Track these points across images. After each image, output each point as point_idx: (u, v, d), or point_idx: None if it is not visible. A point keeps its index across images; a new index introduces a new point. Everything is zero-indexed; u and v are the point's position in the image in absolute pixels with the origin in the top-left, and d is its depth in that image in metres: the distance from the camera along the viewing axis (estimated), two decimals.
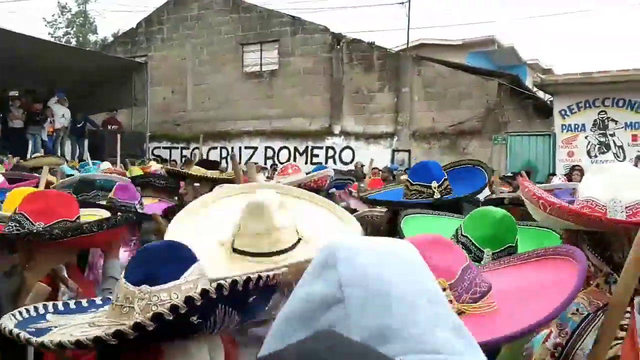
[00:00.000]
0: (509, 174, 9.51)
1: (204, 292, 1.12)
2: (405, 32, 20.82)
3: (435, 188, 2.63)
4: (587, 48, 63.49)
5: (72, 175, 4.86)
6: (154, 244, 1.44)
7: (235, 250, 1.67)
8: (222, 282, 1.16)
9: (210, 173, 4.12)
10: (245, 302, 1.27)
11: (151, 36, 19.02)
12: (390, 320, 0.60)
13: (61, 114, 14.90)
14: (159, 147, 18.02)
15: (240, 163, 17.55)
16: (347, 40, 16.27)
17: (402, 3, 21.83)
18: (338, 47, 16.20)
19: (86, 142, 15.24)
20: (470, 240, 1.82)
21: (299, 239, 1.69)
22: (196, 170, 4.18)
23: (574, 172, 10.09)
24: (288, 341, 0.60)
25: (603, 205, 1.63)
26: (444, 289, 1.14)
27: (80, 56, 16.10)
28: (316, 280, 0.65)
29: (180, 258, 1.29)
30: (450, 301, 1.14)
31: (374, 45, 16.01)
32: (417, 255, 0.69)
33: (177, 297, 1.19)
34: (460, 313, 1.16)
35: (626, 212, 1.58)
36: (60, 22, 37.98)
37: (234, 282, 1.17)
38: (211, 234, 1.76)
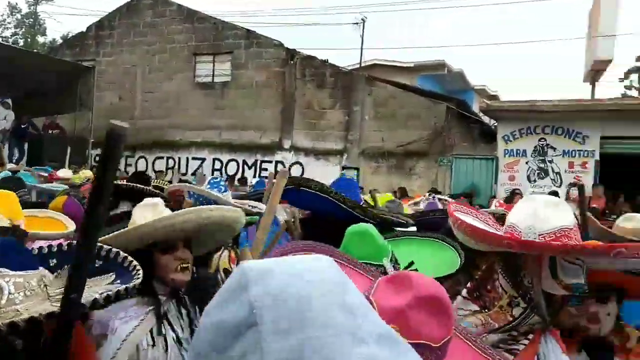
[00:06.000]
0: (451, 195, 9.73)
1: None
2: (358, 52, 21.26)
3: None
4: (532, 76, 66.15)
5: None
6: None
7: None
8: None
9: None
10: None
11: (101, 40, 18.56)
12: (305, 341, 0.56)
13: (3, 117, 14.32)
14: None
15: (186, 174, 17.13)
16: (300, 56, 16.33)
17: (357, 24, 22.33)
18: (291, 62, 16.24)
19: (26, 146, 14.66)
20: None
21: None
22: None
23: (515, 196, 10.40)
24: None
25: (519, 232, 1.69)
26: None
27: (25, 58, 15.52)
28: (227, 305, 0.61)
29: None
30: None
31: (327, 62, 16.13)
32: (336, 269, 0.65)
33: None
34: None
35: (538, 239, 1.63)
36: (9, 22, 36.94)
37: None
38: None
